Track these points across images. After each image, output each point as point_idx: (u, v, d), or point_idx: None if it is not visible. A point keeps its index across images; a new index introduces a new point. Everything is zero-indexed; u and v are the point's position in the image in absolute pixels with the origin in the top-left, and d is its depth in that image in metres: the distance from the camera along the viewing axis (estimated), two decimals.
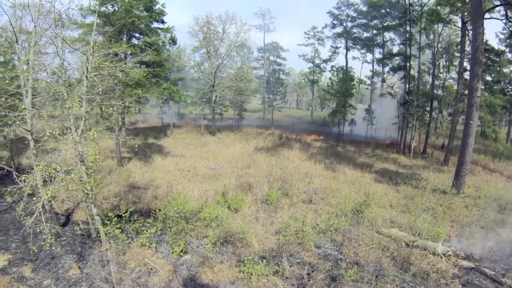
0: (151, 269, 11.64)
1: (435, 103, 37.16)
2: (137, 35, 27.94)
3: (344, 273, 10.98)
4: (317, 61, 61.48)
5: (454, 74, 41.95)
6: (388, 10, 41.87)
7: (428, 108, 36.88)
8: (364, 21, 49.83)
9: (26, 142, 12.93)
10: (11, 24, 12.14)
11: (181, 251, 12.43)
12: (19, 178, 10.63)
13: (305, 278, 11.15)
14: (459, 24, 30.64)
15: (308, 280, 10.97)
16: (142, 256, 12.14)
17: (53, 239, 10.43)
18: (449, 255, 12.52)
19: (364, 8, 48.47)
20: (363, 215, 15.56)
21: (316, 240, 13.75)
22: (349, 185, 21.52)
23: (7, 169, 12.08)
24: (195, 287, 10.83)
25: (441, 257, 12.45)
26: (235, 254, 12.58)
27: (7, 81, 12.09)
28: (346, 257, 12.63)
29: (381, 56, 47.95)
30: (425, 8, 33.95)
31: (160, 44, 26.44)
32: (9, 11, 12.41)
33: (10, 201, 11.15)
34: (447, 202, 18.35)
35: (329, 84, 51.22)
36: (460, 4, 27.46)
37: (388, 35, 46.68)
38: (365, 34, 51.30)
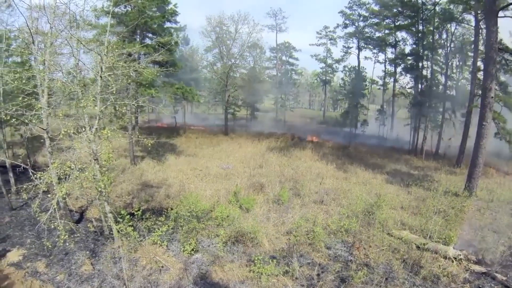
0: (162, 266, 11.79)
1: (448, 104, 36.57)
2: (150, 35, 28.16)
3: (353, 275, 10.96)
4: (329, 61, 61.20)
5: (467, 75, 41.27)
6: (400, 9, 41.31)
7: (440, 109, 36.38)
8: (376, 20, 49.31)
9: (42, 140, 13.12)
10: (27, 26, 12.36)
11: (192, 249, 12.57)
12: (35, 176, 10.81)
13: (314, 279, 11.15)
14: (473, 23, 30.19)
15: (318, 281, 10.97)
16: (154, 254, 12.28)
17: (66, 236, 10.59)
18: (460, 259, 12.33)
19: (376, 8, 47.98)
20: (374, 216, 15.44)
21: (327, 241, 13.71)
22: (361, 186, 21.38)
23: (23, 167, 12.34)
24: (205, 286, 10.92)
25: (452, 261, 12.28)
26: (246, 254, 12.64)
27: (24, 81, 12.31)
28: (356, 258, 12.58)
29: (393, 56, 47.35)
30: (438, 7, 33.49)
31: (173, 44, 26.58)
32: (26, 13, 12.71)
33: (26, 197, 11.47)
34: (459, 204, 18.06)
35: (341, 85, 50.97)
36: (473, 3, 27.01)
37: (400, 34, 46.04)
38: (377, 34, 50.76)
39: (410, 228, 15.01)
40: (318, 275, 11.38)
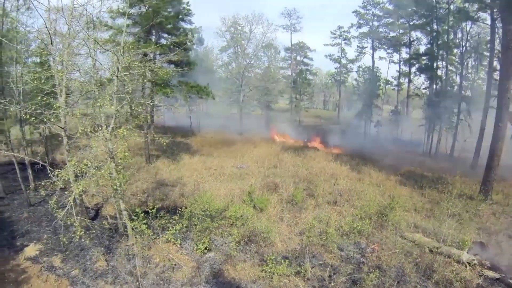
0: (175, 264, 11.94)
1: (463, 105, 35.92)
2: (165, 35, 28.44)
3: (365, 277, 10.91)
4: (343, 61, 60.70)
5: (483, 75, 40.48)
6: (414, 8, 40.74)
7: (455, 110, 35.76)
8: (390, 20, 48.75)
9: (59, 138, 13.46)
10: (46, 27, 12.52)
11: (205, 248, 12.66)
12: (53, 173, 11.03)
13: (326, 280, 11.13)
14: (488, 21, 29.50)
15: (329, 283, 10.96)
16: (167, 252, 12.45)
17: (82, 232, 10.79)
18: (474, 264, 12.12)
19: (390, 7, 47.43)
20: (387, 218, 15.33)
21: (339, 242, 13.68)
22: (374, 187, 21.28)
23: (42, 164, 12.59)
24: (217, 284, 11.01)
25: (466, 266, 12.07)
26: (258, 254, 12.70)
27: (43, 81, 12.60)
28: (368, 260, 12.51)
29: (407, 56, 46.72)
30: (453, 5, 32.90)
31: (188, 43, 26.86)
32: (44, 14, 12.92)
33: (44, 194, 11.68)
34: (474, 208, 17.81)
35: (355, 85, 50.49)
36: (488, 1, 26.48)
37: (415, 34, 45.40)
38: (392, 34, 50.17)
39: (423, 231, 14.87)
40: (329, 276, 11.36)
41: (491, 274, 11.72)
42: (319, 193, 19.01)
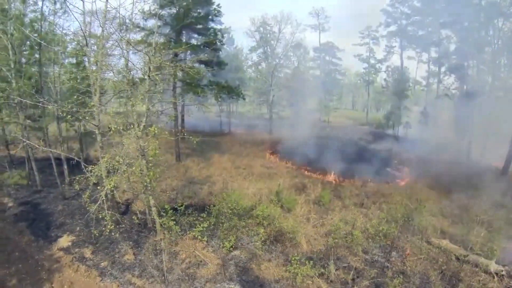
0: (201, 261, 12.20)
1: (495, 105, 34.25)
2: (195, 35, 28.92)
3: (389, 282, 10.77)
4: (372, 61, 59.51)
5: None
6: (444, 5, 39.28)
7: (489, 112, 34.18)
8: (419, 18, 47.25)
9: (94, 136, 13.98)
10: (81, 30, 13.05)
11: (231, 246, 12.81)
12: (87, 169, 11.57)
13: (349, 283, 11.06)
14: None
15: (352, 286, 10.89)
16: (193, 248, 12.75)
17: (112, 226, 11.14)
18: (502, 275, 11.67)
19: (419, 4, 45.95)
20: (414, 222, 14.97)
21: (365, 245, 13.55)
22: (402, 190, 20.82)
23: (76, 160, 13.17)
24: (241, 282, 11.18)
25: (493, 277, 11.66)
26: (283, 253, 12.79)
27: (78, 81, 13.23)
28: (392, 265, 12.28)
29: (437, 55, 45.15)
30: (484, 1, 31.46)
31: (218, 44, 27.18)
32: (80, 18, 13.48)
33: (78, 188, 12.18)
34: (505, 216, 17.03)
35: (384, 85, 49.32)
36: None
37: (444, 32, 43.72)
38: (420, 32, 48.60)
39: (450, 238, 14.47)
40: (353, 279, 11.29)
41: None
42: (346, 194, 18.88)
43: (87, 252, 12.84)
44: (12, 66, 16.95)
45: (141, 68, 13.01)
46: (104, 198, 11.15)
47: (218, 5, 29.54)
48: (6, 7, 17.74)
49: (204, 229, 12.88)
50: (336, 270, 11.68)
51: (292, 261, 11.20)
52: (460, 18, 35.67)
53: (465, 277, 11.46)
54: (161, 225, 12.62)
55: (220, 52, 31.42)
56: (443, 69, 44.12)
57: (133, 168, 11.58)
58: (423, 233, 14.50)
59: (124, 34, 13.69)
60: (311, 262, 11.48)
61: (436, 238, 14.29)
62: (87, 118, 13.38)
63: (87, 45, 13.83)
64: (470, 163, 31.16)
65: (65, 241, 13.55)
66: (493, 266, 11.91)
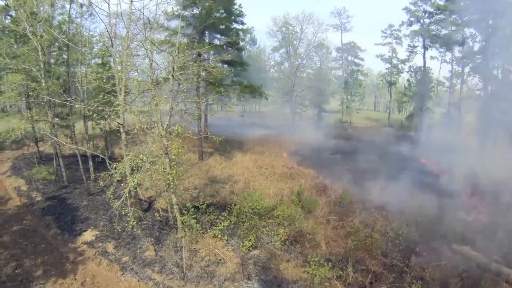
0: (220, 259, 12.28)
1: None
2: (218, 36, 29.14)
3: None
4: (394, 61, 58.16)
5: None
6: (468, 2, 37.98)
7: None
8: (442, 16, 45.88)
9: (118, 134, 14.36)
10: (107, 31, 13.36)
11: (251, 246, 12.84)
12: (111, 166, 11.80)
13: (367, 287, 10.90)
14: None
15: None
16: (213, 247, 12.81)
17: (135, 222, 11.43)
18: None
19: (442, 2, 44.60)
20: (434, 227, 14.62)
21: (384, 248, 13.33)
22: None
23: (102, 157, 13.51)
24: (259, 282, 11.20)
25: None
26: (302, 254, 12.73)
27: (104, 80, 13.58)
28: (411, 270, 12.04)
29: (460, 55, 43.73)
30: None
31: (240, 44, 27.37)
32: (105, 19, 13.83)
33: (102, 185, 12.57)
34: None
35: (406, 86, 48.26)
36: None
37: (468, 31, 42.15)
38: (443, 31, 47.14)
39: (472, 244, 13.93)
40: (371, 283, 11.14)
41: None
42: (368, 196, 18.57)
43: (110, 247, 13.15)
44: (42, 66, 17.50)
45: (165, 68, 13.27)
46: (127, 195, 11.38)
47: (239, 5, 29.84)
48: (35, 10, 18.35)
49: (225, 228, 13.05)
50: (354, 273, 11.52)
51: (311, 262, 11.19)
52: (485, 15, 34.38)
53: (486, 286, 11.08)
54: (182, 222, 12.82)
55: (243, 52, 31.60)
56: (467, 69, 42.72)
57: (156, 166, 11.83)
58: (444, 238, 14.11)
59: (148, 35, 13.91)
60: (330, 263, 11.39)
61: (458, 244, 13.89)
62: (112, 116, 13.63)
63: (112, 46, 14.14)
64: None
65: (89, 235, 13.93)
66: None
